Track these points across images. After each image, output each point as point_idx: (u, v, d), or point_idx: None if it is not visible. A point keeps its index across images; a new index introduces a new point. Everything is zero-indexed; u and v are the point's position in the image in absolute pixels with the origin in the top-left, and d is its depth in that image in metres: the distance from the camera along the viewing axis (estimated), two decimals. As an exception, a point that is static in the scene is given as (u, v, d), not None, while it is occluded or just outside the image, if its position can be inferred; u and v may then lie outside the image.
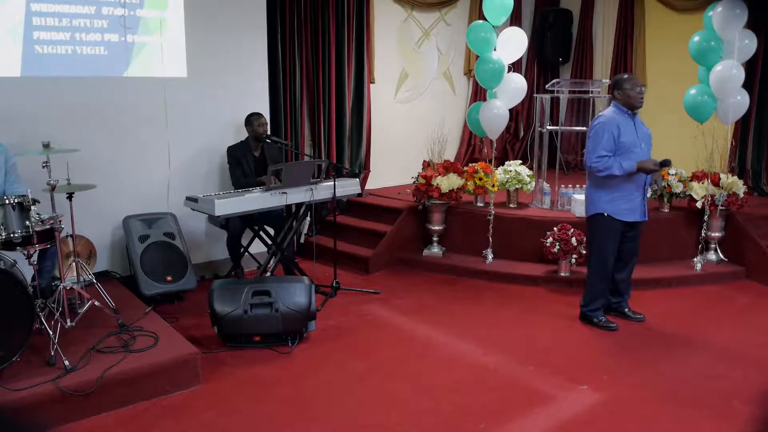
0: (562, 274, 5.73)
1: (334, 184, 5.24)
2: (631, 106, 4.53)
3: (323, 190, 5.22)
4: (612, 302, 4.94)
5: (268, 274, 5.28)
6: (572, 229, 5.64)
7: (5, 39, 4.81)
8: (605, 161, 4.48)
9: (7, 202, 3.71)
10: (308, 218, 6.39)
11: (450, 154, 8.28)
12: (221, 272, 5.95)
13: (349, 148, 7.19)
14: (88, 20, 5.12)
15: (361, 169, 7.25)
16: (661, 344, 4.52)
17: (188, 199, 4.87)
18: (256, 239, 5.59)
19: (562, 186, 6.47)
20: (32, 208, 3.82)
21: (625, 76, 4.62)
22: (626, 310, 4.94)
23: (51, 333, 3.75)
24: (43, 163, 4.00)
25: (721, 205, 5.81)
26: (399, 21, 7.75)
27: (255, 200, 4.83)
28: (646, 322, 4.85)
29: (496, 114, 6.04)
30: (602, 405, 3.70)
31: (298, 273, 5.44)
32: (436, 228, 6.33)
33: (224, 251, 5.76)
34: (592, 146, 4.56)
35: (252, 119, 5.59)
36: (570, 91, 7.07)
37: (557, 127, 6.98)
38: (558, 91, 6.73)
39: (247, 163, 5.56)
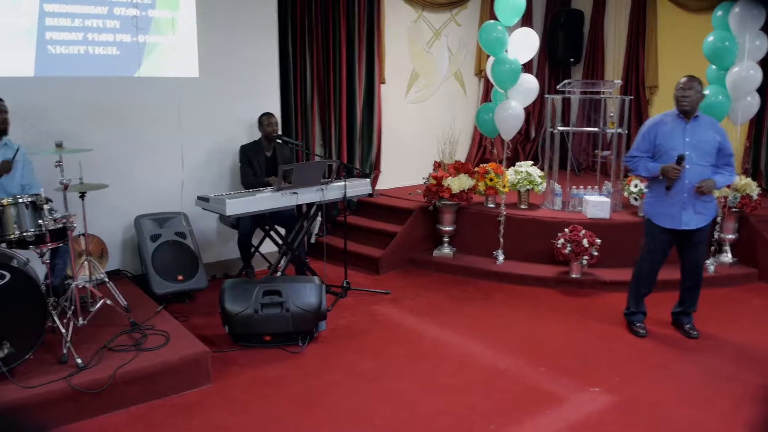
0: (573, 276, 5.70)
1: (345, 184, 5.25)
2: (680, 110, 4.39)
3: (334, 191, 5.22)
4: (672, 311, 4.79)
5: (279, 273, 5.29)
6: (583, 231, 5.61)
7: (19, 39, 4.84)
8: (634, 161, 4.53)
9: (20, 201, 3.75)
10: (319, 218, 6.40)
11: (461, 155, 8.27)
12: (232, 272, 5.97)
13: (359, 149, 7.19)
14: (100, 21, 5.15)
15: (371, 170, 7.25)
16: (673, 346, 4.49)
17: (199, 198, 4.89)
18: (267, 239, 5.60)
19: (573, 187, 6.45)
20: (45, 207, 3.85)
21: (684, 79, 4.41)
22: (686, 325, 4.69)
23: (63, 331, 3.78)
24: (56, 162, 4.03)
25: (735, 207, 5.76)
26: (409, 21, 7.74)
27: (266, 200, 4.84)
28: (658, 324, 4.79)
29: (511, 114, 6.02)
30: (613, 407, 3.68)
31: (309, 273, 5.45)
32: (447, 229, 6.32)
33: (235, 251, 5.77)
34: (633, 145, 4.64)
35: (262, 119, 5.61)
36: (581, 92, 7.05)
37: (568, 128, 6.96)
38: (569, 92, 6.71)
39: (258, 163, 5.57)
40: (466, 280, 5.98)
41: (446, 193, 6.10)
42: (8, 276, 3.47)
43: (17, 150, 4.15)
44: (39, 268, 4.06)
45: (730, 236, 5.91)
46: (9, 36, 4.80)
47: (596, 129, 6.95)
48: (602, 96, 6.84)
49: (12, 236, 3.73)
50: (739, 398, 3.74)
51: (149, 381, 3.73)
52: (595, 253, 5.59)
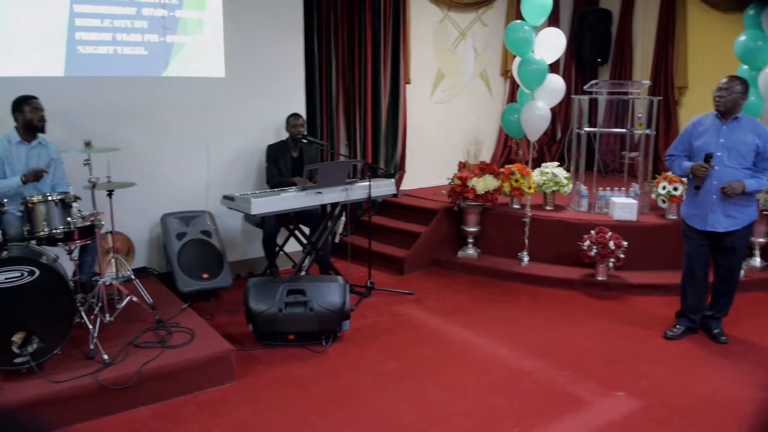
0: (599, 278, 5.64)
1: (370, 184, 5.24)
2: (716, 109, 4.31)
3: (358, 191, 5.22)
4: (702, 314, 4.67)
5: (303, 273, 5.31)
6: (610, 233, 5.55)
7: (50, 40, 4.92)
8: (670, 160, 4.52)
9: (50, 198, 3.80)
10: (343, 218, 6.40)
11: (486, 155, 8.23)
12: (256, 270, 6.00)
13: (384, 149, 7.19)
14: (128, 21, 5.21)
15: (396, 170, 7.25)
16: (701, 351, 4.42)
17: (225, 197, 4.92)
18: (292, 238, 5.62)
19: (600, 188, 6.38)
20: (74, 204, 3.90)
21: (724, 79, 4.26)
22: (714, 330, 4.57)
23: (90, 327, 3.83)
24: (85, 161, 4.10)
25: (765, 210, 5.65)
26: (435, 21, 7.72)
27: (290, 200, 4.85)
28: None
29: (537, 115, 5.98)
30: (639, 411, 3.63)
31: (333, 272, 5.45)
32: (472, 229, 6.29)
33: (260, 250, 5.80)
34: None
35: (289, 120, 5.65)
36: (608, 93, 6.96)
37: (595, 129, 6.88)
38: (596, 93, 6.63)
39: (284, 163, 5.60)
40: (490, 281, 5.95)
41: (471, 193, 6.07)
42: (38, 272, 3.53)
43: (50, 161, 4.24)
44: (67, 265, 4.12)
45: (760, 240, 5.79)
46: (40, 36, 4.87)
47: (624, 130, 6.86)
48: (630, 96, 6.75)
49: (41, 233, 3.79)
50: (769, 405, 3.67)
51: (174, 378, 3.76)
52: (622, 256, 5.52)
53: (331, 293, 4.46)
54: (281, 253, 5.87)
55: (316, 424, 3.51)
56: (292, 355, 4.32)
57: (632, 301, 5.37)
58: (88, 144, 4.16)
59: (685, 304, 4.64)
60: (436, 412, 3.63)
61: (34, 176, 4.07)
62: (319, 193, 4.95)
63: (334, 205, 5.39)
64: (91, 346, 3.78)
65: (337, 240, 6.68)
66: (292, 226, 5.47)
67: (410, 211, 6.82)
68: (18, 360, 3.49)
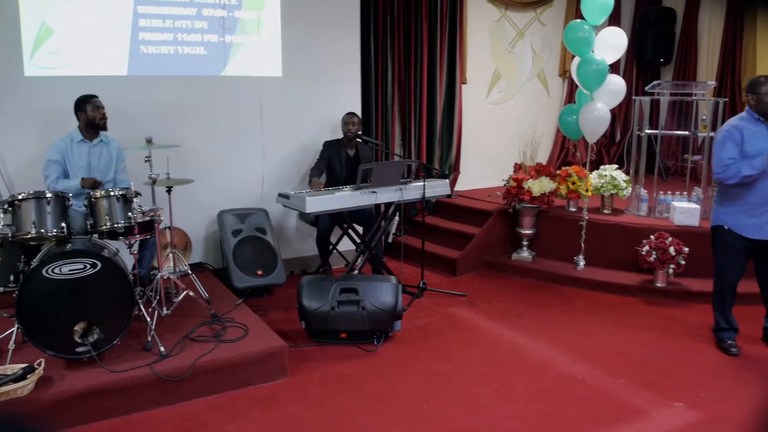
0: (658, 285, 5.48)
1: (424, 184, 5.23)
2: (763, 113, 4.10)
3: (412, 191, 5.21)
4: (765, 326, 4.52)
5: (356, 272, 5.32)
6: (670, 238, 5.38)
7: (114, 40, 5.07)
8: (731, 168, 4.11)
9: (112, 194, 3.91)
10: (397, 218, 6.40)
11: (542, 157, 8.10)
12: (310, 268, 6.05)
13: (439, 149, 7.16)
14: (189, 21, 5.33)
15: (450, 170, 7.21)
16: (765, 362, 4.24)
17: (280, 195, 4.97)
18: (345, 237, 5.65)
19: (661, 192, 6.20)
20: (134, 200, 4.00)
21: (762, 78, 4.11)
22: None
23: (148, 320, 3.93)
24: (146, 157, 4.20)
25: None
26: (492, 21, 7.65)
27: (345, 198, 4.87)
28: (750, 339, 4.54)
29: (596, 117, 5.85)
30: (698, 424, 3.50)
31: (386, 272, 5.45)
32: (527, 232, 6.20)
33: (313, 248, 5.85)
34: (715, 156, 4.20)
35: (344, 118, 5.67)
36: (671, 94, 6.77)
37: (656, 131, 6.70)
38: (658, 94, 6.45)
39: (339, 160, 5.63)
40: (544, 284, 5.85)
41: (526, 195, 5.98)
42: (100, 265, 3.63)
43: (110, 159, 4.42)
44: (127, 259, 4.23)
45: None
46: (106, 37, 5.03)
47: (687, 132, 6.66)
48: (694, 98, 6.55)
49: (104, 227, 3.89)
50: (839, 421, 3.50)
51: (228, 372, 3.82)
52: (682, 262, 5.35)
53: (383, 293, 4.46)
54: (334, 251, 5.91)
55: (366, 423, 3.51)
56: (344, 354, 4.34)
57: (692, 309, 5.20)
58: (149, 141, 4.27)
59: (725, 314, 4.44)
60: (486, 415, 3.59)
61: (92, 185, 4.18)
62: (374, 192, 4.96)
63: (387, 204, 5.39)
64: (149, 338, 3.87)
65: (390, 240, 6.69)
66: (345, 225, 5.49)
67: (464, 212, 6.77)
68: (79, 349, 3.60)
